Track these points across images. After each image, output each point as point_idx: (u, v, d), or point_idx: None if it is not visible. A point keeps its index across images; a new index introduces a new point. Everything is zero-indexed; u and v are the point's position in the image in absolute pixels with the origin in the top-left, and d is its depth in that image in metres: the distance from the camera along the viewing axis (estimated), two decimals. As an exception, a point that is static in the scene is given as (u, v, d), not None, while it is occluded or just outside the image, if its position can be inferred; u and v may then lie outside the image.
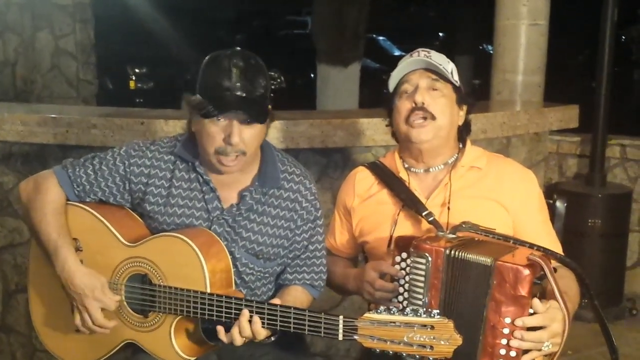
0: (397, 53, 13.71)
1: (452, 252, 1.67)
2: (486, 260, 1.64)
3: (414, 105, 1.91)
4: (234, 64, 1.77)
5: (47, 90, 6.37)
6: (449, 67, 1.95)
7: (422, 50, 1.97)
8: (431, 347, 1.50)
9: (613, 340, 1.83)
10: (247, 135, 1.80)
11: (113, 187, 1.94)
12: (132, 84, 11.39)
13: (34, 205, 1.91)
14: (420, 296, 1.69)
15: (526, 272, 1.60)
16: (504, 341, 1.62)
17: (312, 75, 8.67)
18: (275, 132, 2.99)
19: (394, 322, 1.53)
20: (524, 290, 1.60)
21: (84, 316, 1.83)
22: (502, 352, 1.62)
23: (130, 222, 1.97)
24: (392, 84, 1.98)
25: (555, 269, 1.71)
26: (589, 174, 4.09)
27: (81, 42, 6.54)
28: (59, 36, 6.39)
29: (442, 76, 1.92)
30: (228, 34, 16.36)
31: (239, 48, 1.85)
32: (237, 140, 1.78)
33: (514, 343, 1.61)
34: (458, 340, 1.50)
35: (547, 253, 1.73)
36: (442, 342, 1.50)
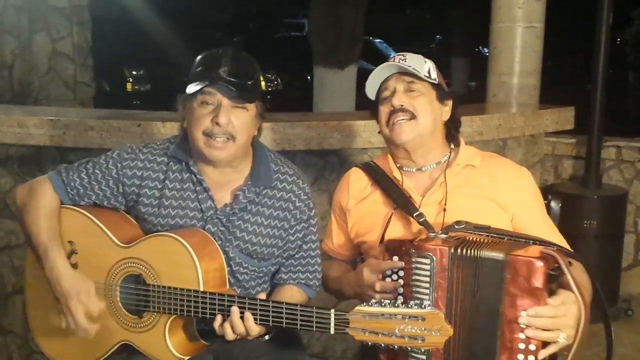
0: (393, 55, 13.69)
1: (458, 250, 1.68)
2: (498, 255, 1.64)
3: (392, 108, 1.94)
4: (224, 53, 1.82)
5: (44, 92, 6.36)
6: (424, 66, 1.97)
7: (398, 55, 2.01)
8: (423, 339, 1.51)
9: (612, 339, 1.81)
10: (235, 118, 1.81)
11: (107, 190, 1.95)
12: (129, 86, 11.42)
13: (28, 209, 1.92)
14: (427, 297, 1.69)
15: (539, 263, 1.59)
16: (522, 335, 1.61)
17: (308, 78, 8.68)
18: (272, 134, 3.00)
19: (385, 314, 1.53)
20: (538, 282, 1.59)
21: (67, 318, 1.83)
22: (522, 346, 1.62)
23: (124, 224, 1.97)
24: (370, 92, 2.02)
25: (570, 262, 1.69)
26: (584, 176, 4.10)
27: (78, 45, 6.53)
28: (56, 39, 6.37)
29: (417, 77, 1.95)
30: (225, 36, 16.38)
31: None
32: (225, 120, 1.79)
33: (528, 332, 1.60)
34: (449, 330, 1.50)
35: (549, 246, 1.71)
36: (434, 333, 1.50)
